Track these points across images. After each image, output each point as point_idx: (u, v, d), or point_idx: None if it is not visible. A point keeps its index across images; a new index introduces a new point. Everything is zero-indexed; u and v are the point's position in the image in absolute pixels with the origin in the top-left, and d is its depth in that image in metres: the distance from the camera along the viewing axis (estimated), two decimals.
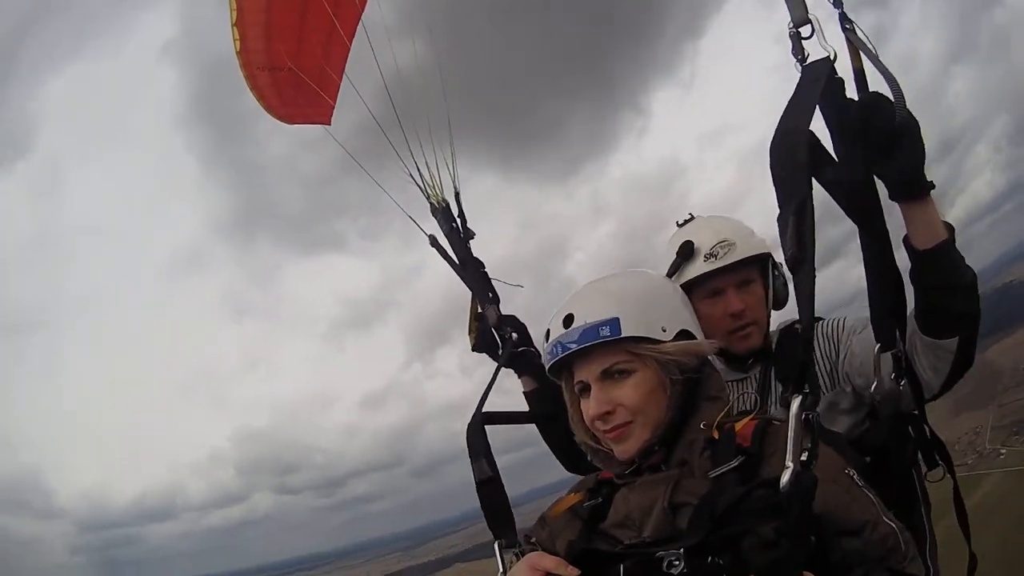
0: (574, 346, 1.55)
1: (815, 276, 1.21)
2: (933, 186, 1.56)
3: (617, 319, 1.52)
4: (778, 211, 1.26)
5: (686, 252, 2.15)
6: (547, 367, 1.66)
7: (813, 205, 1.24)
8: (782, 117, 1.35)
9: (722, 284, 2.11)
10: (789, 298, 2.23)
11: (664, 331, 1.55)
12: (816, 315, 2.14)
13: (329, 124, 3.11)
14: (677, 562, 1.26)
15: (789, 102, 1.38)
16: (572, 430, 1.71)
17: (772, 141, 1.33)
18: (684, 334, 1.58)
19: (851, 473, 1.40)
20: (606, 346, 1.53)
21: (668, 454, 1.55)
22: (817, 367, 2.01)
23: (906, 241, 1.63)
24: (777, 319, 2.25)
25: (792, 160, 1.27)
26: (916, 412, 1.77)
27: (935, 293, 1.62)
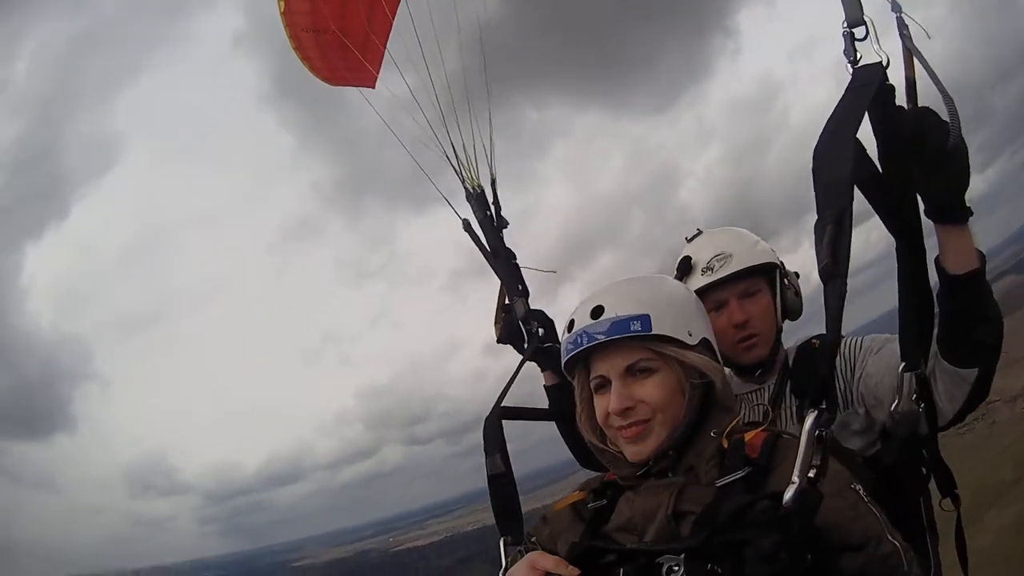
0: (602, 337, 1.52)
1: (846, 290, 1.18)
2: (971, 212, 1.54)
3: (648, 316, 1.50)
4: (816, 219, 1.23)
5: (684, 268, 2.16)
6: (566, 357, 1.62)
7: (852, 217, 1.21)
8: (829, 121, 1.32)
9: (725, 296, 2.10)
10: (804, 310, 2.22)
11: (690, 335, 1.54)
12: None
13: (373, 87, 3.06)
14: (677, 568, 1.25)
15: (837, 106, 1.34)
16: (579, 428, 1.69)
17: (817, 145, 1.29)
18: (706, 342, 1.59)
19: (857, 488, 1.37)
20: (632, 342, 1.51)
21: (677, 459, 1.54)
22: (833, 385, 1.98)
23: (938, 263, 1.60)
24: (791, 331, 2.24)
25: (837, 168, 1.24)
26: (929, 436, 1.75)
27: (961, 319, 1.61)
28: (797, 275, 2.25)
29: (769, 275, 2.15)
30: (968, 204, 1.53)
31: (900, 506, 1.55)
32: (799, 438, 1.18)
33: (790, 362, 2.15)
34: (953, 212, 1.54)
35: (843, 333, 2.06)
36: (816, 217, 1.22)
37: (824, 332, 2.14)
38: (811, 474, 1.14)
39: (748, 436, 1.45)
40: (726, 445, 1.47)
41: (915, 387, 1.66)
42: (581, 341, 1.55)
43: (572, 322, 1.59)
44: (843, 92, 1.37)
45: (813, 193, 1.25)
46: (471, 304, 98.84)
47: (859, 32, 1.45)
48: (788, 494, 1.14)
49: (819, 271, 1.19)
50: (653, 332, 1.50)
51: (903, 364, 1.65)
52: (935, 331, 1.66)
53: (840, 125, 1.30)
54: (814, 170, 1.27)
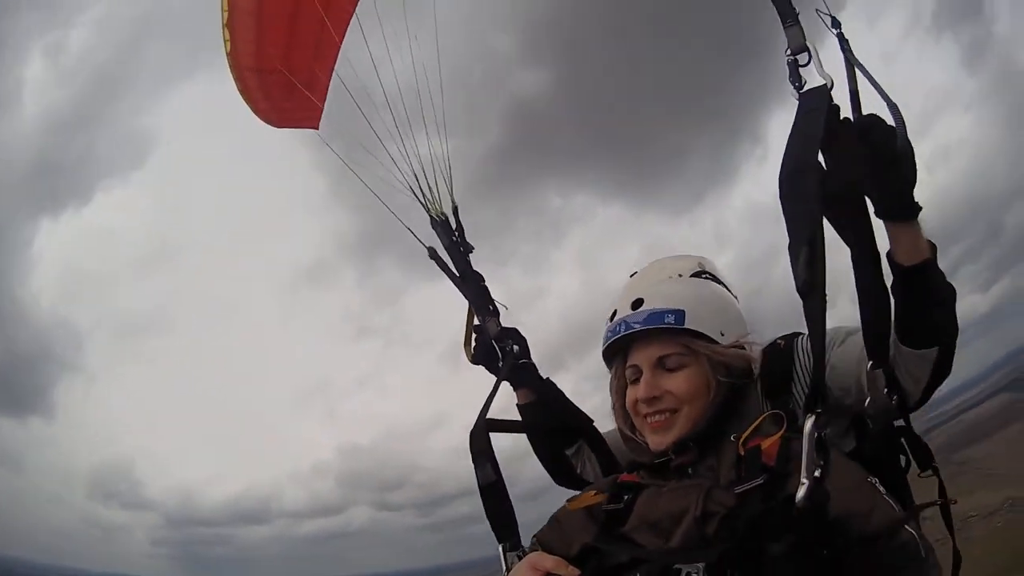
0: (638, 326, 1.64)
1: (826, 303, 1.28)
2: (920, 208, 1.59)
3: (683, 311, 1.63)
4: (789, 241, 1.31)
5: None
6: (605, 345, 1.73)
7: (824, 236, 1.30)
8: (788, 148, 1.40)
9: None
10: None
11: (722, 335, 1.66)
12: (795, 331, 2.02)
13: (317, 129, 3.08)
14: (695, 575, 1.31)
15: (792, 132, 1.43)
16: (614, 417, 1.81)
17: (781, 173, 1.38)
18: (737, 344, 1.69)
19: (874, 482, 1.45)
20: (666, 335, 1.63)
21: (698, 458, 1.59)
22: (798, 380, 1.98)
23: (890, 257, 1.66)
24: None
25: (803, 194, 1.34)
26: (903, 424, 1.79)
27: (916, 307, 1.66)
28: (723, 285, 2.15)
29: None
30: (917, 201, 1.58)
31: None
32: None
33: (756, 365, 2.13)
34: (904, 210, 1.59)
35: (801, 332, 2.04)
36: (789, 243, 1.31)
37: (789, 333, 2.11)
38: (817, 473, 1.22)
39: (765, 444, 1.50)
40: (742, 453, 1.52)
41: (885, 382, 1.71)
42: (619, 329, 1.67)
43: (614, 312, 1.72)
44: (794, 118, 1.45)
45: (783, 219, 1.34)
46: (465, 380, 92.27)
47: (802, 59, 1.53)
48: (800, 494, 1.21)
49: (798, 288, 1.29)
50: (685, 326, 1.61)
51: (871, 363, 1.69)
52: (892, 320, 1.69)
53: (800, 151, 1.39)
54: (781, 197, 1.36)
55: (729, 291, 2.12)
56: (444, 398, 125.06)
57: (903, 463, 1.79)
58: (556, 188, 67.69)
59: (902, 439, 1.79)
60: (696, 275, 2.15)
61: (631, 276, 2.32)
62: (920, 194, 1.58)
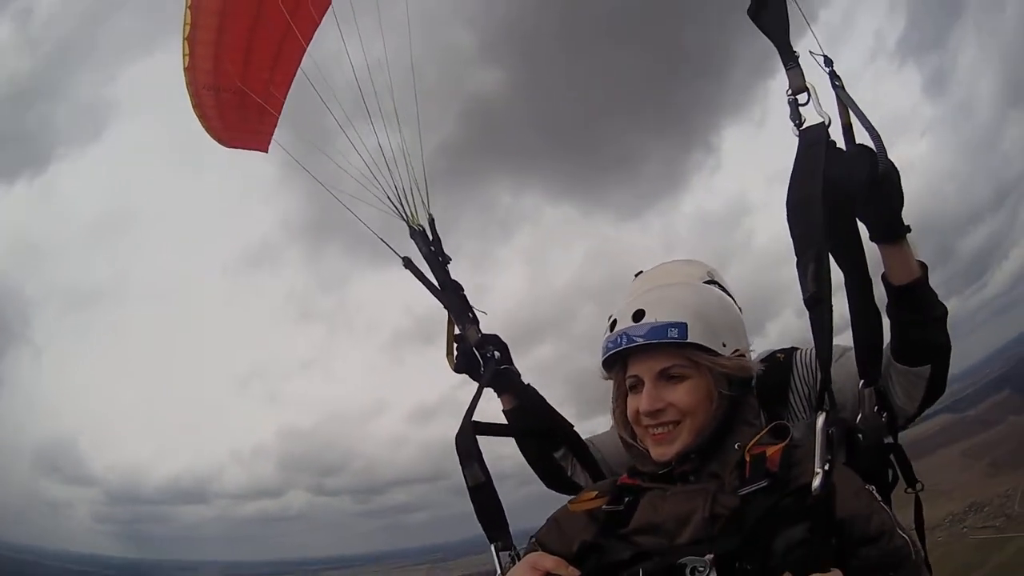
0: (640, 340, 1.63)
1: (832, 313, 1.41)
2: (909, 229, 1.70)
3: (686, 324, 1.62)
4: (796, 259, 1.45)
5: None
6: (605, 355, 1.72)
7: (829, 255, 1.45)
8: (793, 182, 1.53)
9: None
10: None
11: (724, 346, 1.66)
12: (793, 346, 2.16)
13: (266, 151, 3.13)
14: (703, 569, 1.35)
15: (796, 166, 1.57)
16: (615, 423, 1.82)
17: (788, 205, 1.51)
18: (739, 354, 1.71)
19: (871, 489, 1.52)
20: (668, 348, 1.63)
21: (700, 466, 1.62)
22: (794, 392, 2.04)
23: (884, 278, 1.75)
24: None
25: (811, 222, 1.47)
26: (893, 441, 1.86)
27: (909, 326, 1.74)
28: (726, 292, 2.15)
29: None
30: (906, 224, 1.69)
31: None
32: (812, 440, 1.40)
33: (754, 376, 2.06)
34: (893, 231, 1.69)
35: (798, 346, 2.15)
36: (796, 260, 1.45)
37: (788, 347, 2.18)
38: (826, 467, 1.35)
39: (770, 451, 1.54)
40: (748, 459, 1.55)
41: (875, 400, 1.79)
42: (620, 341, 1.66)
43: (615, 321, 1.71)
44: (796, 153, 1.58)
45: (791, 240, 1.48)
46: (407, 368, 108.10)
47: (802, 97, 1.65)
48: (815, 482, 1.34)
49: (805, 300, 1.42)
50: (688, 340, 1.61)
51: (862, 381, 1.77)
52: (886, 340, 1.78)
53: (805, 184, 1.51)
54: (789, 222, 1.48)
55: (734, 300, 2.12)
56: (383, 386, 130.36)
57: (890, 478, 1.86)
58: (506, 186, 69.02)
59: (891, 456, 1.87)
60: (706, 283, 2.15)
61: (636, 276, 2.34)
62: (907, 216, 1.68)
